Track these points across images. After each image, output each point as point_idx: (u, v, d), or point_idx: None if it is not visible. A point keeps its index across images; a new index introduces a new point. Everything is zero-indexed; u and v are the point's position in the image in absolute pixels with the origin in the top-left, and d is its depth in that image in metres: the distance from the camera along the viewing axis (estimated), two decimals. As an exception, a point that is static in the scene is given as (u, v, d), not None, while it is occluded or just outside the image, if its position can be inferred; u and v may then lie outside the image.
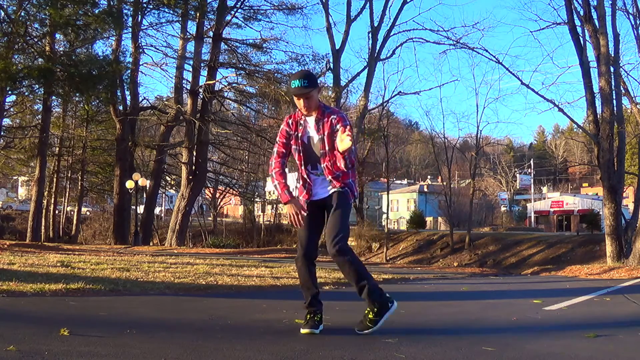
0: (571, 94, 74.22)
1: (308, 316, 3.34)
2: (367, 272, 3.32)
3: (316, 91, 3.35)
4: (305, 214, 3.33)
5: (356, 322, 3.36)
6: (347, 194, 3.37)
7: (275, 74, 23.60)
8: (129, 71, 23.17)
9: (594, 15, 16.62)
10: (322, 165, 3.36)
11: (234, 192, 37.54)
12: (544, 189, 61.83)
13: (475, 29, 38.48)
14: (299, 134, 3.41)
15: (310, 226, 3.40)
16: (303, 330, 3.27)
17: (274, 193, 50.98)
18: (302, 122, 3.42)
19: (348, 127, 3.17)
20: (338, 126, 3.26)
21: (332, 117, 3.33)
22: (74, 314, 3.75)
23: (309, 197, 3.41)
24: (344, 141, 3.10)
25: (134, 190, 23.54)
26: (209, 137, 25.15)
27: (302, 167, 3.43)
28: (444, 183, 35.25)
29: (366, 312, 3.30)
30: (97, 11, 21.06)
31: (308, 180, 3.42)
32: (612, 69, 16.71)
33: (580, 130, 24.61)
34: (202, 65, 23.54)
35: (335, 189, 3.35)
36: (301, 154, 3.41)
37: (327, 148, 3.32)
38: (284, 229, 42.00)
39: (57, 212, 33.92)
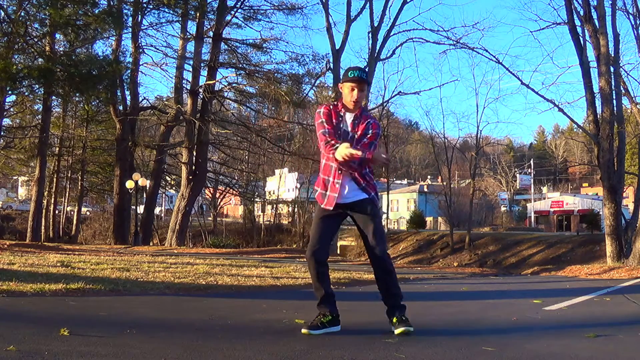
0: (571, 94, 74.42)
1: (314, 318, 3.35)
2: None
3: (367, 89, 3.52)
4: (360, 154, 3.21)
5: (356, 322, 3.36)
6: (377, 201, 3.47)
7: (275, 74, 23.59)
8: (129, 71, 23.17)
9: (594, 15, 16.62)
10: (355, 163, 3.36)
11: (234, 192, 37.55)
12: (544, 189, 61.86)
13: (475, 29, 38.54)
14: (339, 125, 3.41)
15: (325, 227, 3.42)
16: (303, 330, 3.27)
17: (273, 193, 51.04)
18: (341, 114, 3.43)
19: (376, 140, 3.31)
20: (370, 131, 3.35)
21: (369, 120, 3.41)
22: (74, 314, 3.75)
23: (339, 195, 3.38)
24: (348, 151, 3.12)
25: (134, 190, 23.54)
26: (209, 137, 25.14)
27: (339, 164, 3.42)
28: (444, 183, 35.26)
29: (398, 317, 3.34)
30: (97, 11, 21.04)
31: (341, 172, 3.37)
32: (612, 69, 16.70)
33: (580, 130, 24.61)
34: (202, 65, 23.53)
35: (367, 196, 3.38)
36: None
37: (359, 146, 3.35)
38: (284, 229, 42.05)
39: (57, 212, 33.93)
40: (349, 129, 3.40)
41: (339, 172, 3.37)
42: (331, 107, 3.48)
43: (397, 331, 3.26)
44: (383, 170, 36.10)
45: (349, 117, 3.42)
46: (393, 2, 55.87)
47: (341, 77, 3.51)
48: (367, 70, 3.58)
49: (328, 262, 3.44)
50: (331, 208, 3.37)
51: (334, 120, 3.40)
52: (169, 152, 28.18)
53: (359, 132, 3.36)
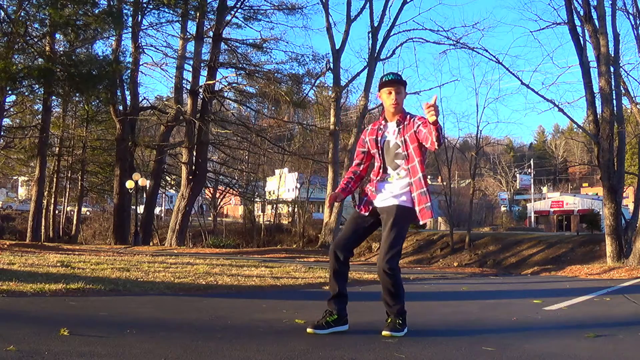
0: (571, 94, 74.16)
1: (321, 316, 3.35)
2: (404, 296, 3.40)
3: (404, 90, 3.46)
4: (338, 198, 3.52)
5: (356, 322, 3.36)
6: (411, 212, 3.39)
7: (275, 74, 23.59)
8: (129, 71, 23.16)
9: (594, 15, 16.61)
10: (395, 171, 3.42)
11: (234, 192, 37.54)
12: (544, 189, 61.84)
13: (475, 29, 38.31)
14: (378, 138, 3.50)
15: (356, 226, 3.47)
16: (308, 330, 3.28)
17: (273, 193, 51.03)
18: (382, 127, 3.51)
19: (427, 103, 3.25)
20: (418, 121, 3.33)
21: (412, 117, 3.43)
22: (74, 314, 3.75)
23: (373, 199, 3.46)
24: (430, 114, 3.07)
25: (134, 190, 23.53)
26: (209, 137, 25.14)
27: (378, 171, 3.51)
28: (444, 183, 35.22)
29: (392, 320, 3.33)
30: (97, 11, 21.04)
31: (379, 181, 3.49)
32: (612, 69, 16.70)
33: (580, 130, 24.60)
34: (202, 65, 23.53)
35: (400, 204, 3.36)
36: (378, 157, 3.50)
37: (410, 149, 3.37)
38: (284, 229, 42.00)
39: (57, 212, 33.92)
40: (392, 136, 3.44)
41: (378, 181, 3.48)
42: (370, 126, 3.61)
43: (382, 332, 3.27)
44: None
45: (391, 126, 3.47)
46: (393, 2, 55.74)
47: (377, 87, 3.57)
48: (399, 74, 3.56)
49: (326, 261, 3.45)
50: (366, 214, 3.46)
51: (373, 138, 3.51)
52: (169, 152, 28.17)
53: (408, 132, 3.36)
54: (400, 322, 3.30)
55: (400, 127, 3.41)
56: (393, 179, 3.42)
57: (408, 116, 3.44)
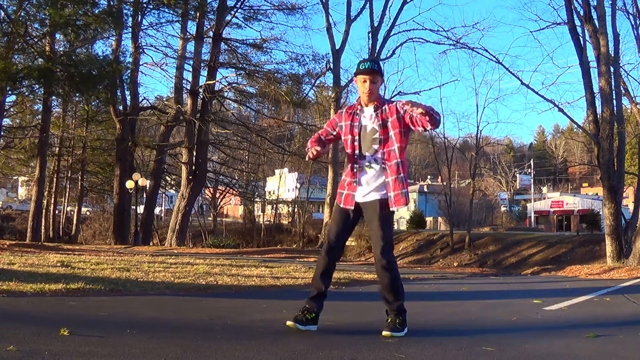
0: (571, 94, 74.27)
1: (300, 311, 3.31)
2: (404, 292, 3.38)
3: (381, 80, 3.43)
4: (315, 151, 3.43)
5: (356, 322, 3.36)
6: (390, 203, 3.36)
7: (275, 74, 23.61)
8: (129, 71, 23.16)
9: (594, 15, 16.60)
10: (372, 156, 3.36)
11: (234, 192, 37.54)
12: (544, 189, 61.83)
13: (475, 29, 38.38)
14: (355, 123, 3.43)
15: (343, 223, 3.41)
16: (288, 323, 3.26)
17: (273, 193, 51.04)
18: (357, 112, 3.45)
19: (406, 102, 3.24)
20: (405, 108, 3.27)
21: (394, 103, 3.39)
22: (74, 314, 3.75)
23: (355, 190, 3.40)
24: (416, 110, 3.10)
25: (134, 190, 23.53)
26: (209, 137, 25.15)
27: (352, 157, 3.44)
28: (444, 183, 35.21)
29: (392, 319, 3.33)
30: (97, 11, 21.06)
31: (356, 171, 3.41)
32: (612, 69, 16.69)
33: (580, 130, 24.59)
34: (202, 65, 23.54)
35: (382, 197, 3.32)
36: (354, 143, 3.41)
37: (390, 134, 3.33)
38: (284, 229, 41.99)
39: (57, 212, 33.92)
40: (369, 121, 3.39)
41: (354, 171, 3.40)
42: (344, 111, 3.54)
43: (383, 332, 3.27)
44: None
45: (368, 111, 3.42)
46: (393, 2, 55.79)
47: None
48: (378, 60, 3.56)
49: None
50: (351, 207, 3.39)
51: (345, 123, 3.45)
52: (169, 152, 28.17)
53: (391, 117, 3.33)
54: (400, 321, 3.29)
55: (378, 111, 3.37)
56: (371, 167, 3.36)
57: (386, 102, 3.42)
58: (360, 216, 3.44)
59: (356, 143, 3.40)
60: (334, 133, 3.56)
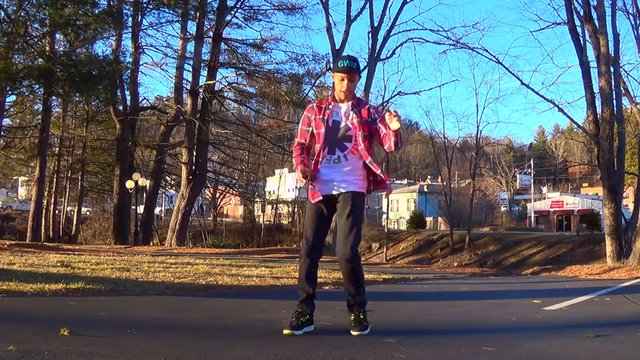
0: (571, 94, 74.30)
1: (294, 317, 3.30)
2: (364, 284, 3.43)
3: (358, 78, 3.45)
4: (307, 173, 3.35)
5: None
6: (363, 195, 3.37)
7: (275, 74, 23.61)
8: (129, 71, 23.16)
9: (594, 15, 16.60)
10: (343, 153, 3.34)
11: (234, 192, 37.54)
12: (544, 189, 61.82)
13: (475, 29, 38.30)
14: (326, 117, 3.41)
15: (318, 219, 3.39)
16: (285, 331, 3.21)
17: (273, 193, 51.07)
18: (330, 106, 3.44)
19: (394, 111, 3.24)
20: (376, 115, 3.32)
21: (369, 106, 3.40)
22: (74, 314, 3.75)
23: (315, 180, 3.39)
24: (393, 122, 3.12)
25: (134, 190, 23.53)
26: (209, 137, 25.14)
27: (321, 151, 3.40)
28: (444, 183, 35.22)
29: (356, 316, 3.35)
30: (97, 11, 21.06)
31: (326, 165, 3.38)
32: (612, 69, 16.69)
33: (580, 130, 24.59)
34: (202, 65, 23.54)
35: (352, 190, 3.31)
36: (324, 136, 3.38)
37: (359, 133, 3.32)
38: (284, 229, 42.03)
39: (57, 212, 33.91)
40: (343, 117, 3.38)
41: (324, 165, 3.38)
42: (315, 105, 3.49)
43: (352, 332, 3.29)
44: (383, 170, 35.97)
45: (343, 107, 3.41)
46: (393, 2, 55.75)
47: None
48: (357, 59, 3.52)
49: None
50: (319, 198, 3.36)
51: (317, 117, 3.42)
52: (169, 152, 28.18)
53: (362, 118, 3.33)
54: (363, 317, 3.33)
55: (354, 110, 3.37)
56: (340, 161, 3.34)
57: (362, 102, 3.43)
58: (334, 210, 3.41)
59: (327, 137, 3.37)
60: (310, 129, 3.48)
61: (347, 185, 3.33)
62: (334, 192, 3.34)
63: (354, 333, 3.28)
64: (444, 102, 71.89)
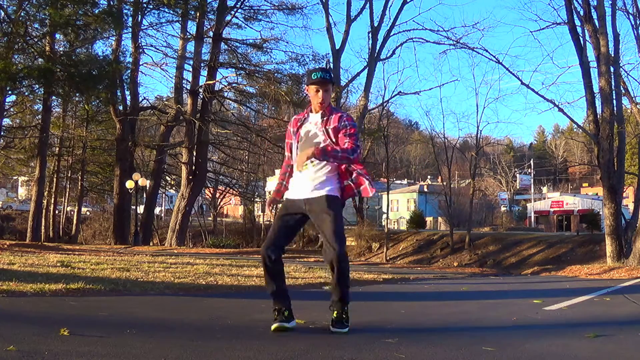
0: (571, 94, 74.42)
1: (276, 314, 3.35)
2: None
3: (332, 87, 3.51)
4: (274, 203, 3.60)
5: (356, 322, 3.36)
6: (338, 198, 3.40)
7: (275, 74, 23.61)
8: (129, 71, 23.17)
9: (594, 15, 16.61)
10: (310, 160, 3.37)
11: (234, 192, 37.52)
12: (544, 189, 61.78)
13: (475, 29, 38.42)
14: (297, 129, 3.51)
15: (284, 223, 3.45)
16: (273, 327, 3.26)
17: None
18: (303, 118, 3.52)
19: (355, 131, 3.35)
20: (346, 123, 3.37)
21: (341, 114, 3.45)
22: (74, 314, 3.75)
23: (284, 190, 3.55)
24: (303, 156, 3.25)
25: (134, 190, 23.53)
26: (209, 137, 25.15)
27: (292, 160, 3.53)
28: (444, 183, 35.22)
29: (338, 314, 3.36)
30: (97, 11, 21.06)
31: (291, 175, 3.53)
32: (612, 69, 16.70)
33: (580, 130, 24.60)
34: (202, 65, 23.54)
35: (328, 193, 3.35)
36: (296, 149, 3.48)
37: (328, 141, 3.37)
38: (284, 229, 41.87)
39: (57, 212, 33.91)
40: (314, 126, 3.43)
41: (292, 173, 3.52)
42: (294, 120, 3.59)
43: (331, 329, 3.33)
44: (383, 170, 36.09)
45: (315, 117, 3.46)
46: (393, 2, 55.75)
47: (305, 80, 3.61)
48: (329, 69, 3.60)
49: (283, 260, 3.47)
50: (288, 198, 3.47)
51: (292, 129, 3.54)
52: (169, 152, 28.17)
53: (332, 125, 3.38)
54: (346, 315, 3.34)
55: (325, 118, 3.41)
56: (308, 167, 3.37)
57: (335, 111, 3.47)
58: (302, 216, 3.45)
59: (297, 149, 3.46)
60: (291, 142, 3.60)
61: (320, 189, 3.37)
62: (302, 197, 3.40)
63: (333, 330, 3.31)
64: (444, 102, 71.88)
